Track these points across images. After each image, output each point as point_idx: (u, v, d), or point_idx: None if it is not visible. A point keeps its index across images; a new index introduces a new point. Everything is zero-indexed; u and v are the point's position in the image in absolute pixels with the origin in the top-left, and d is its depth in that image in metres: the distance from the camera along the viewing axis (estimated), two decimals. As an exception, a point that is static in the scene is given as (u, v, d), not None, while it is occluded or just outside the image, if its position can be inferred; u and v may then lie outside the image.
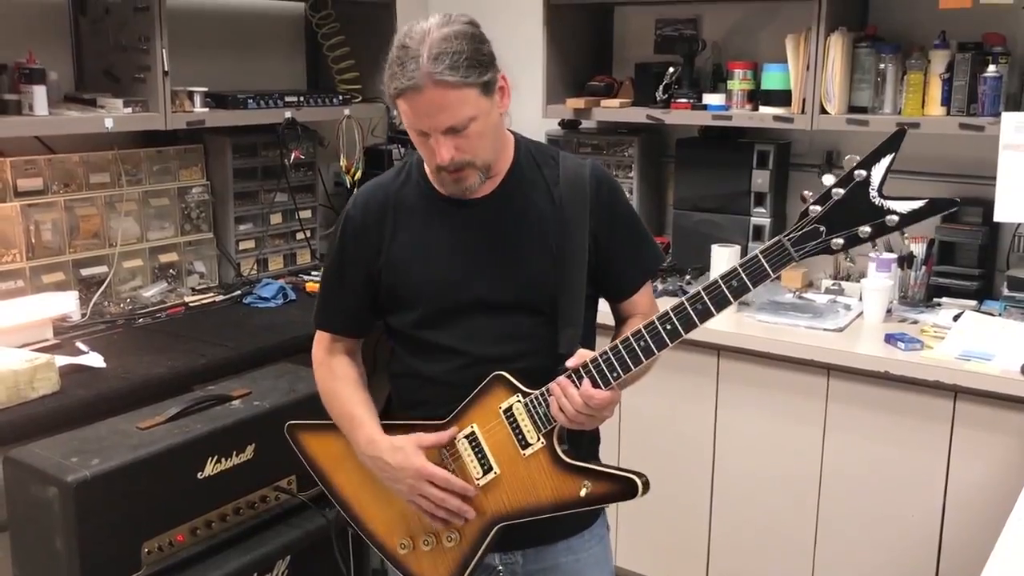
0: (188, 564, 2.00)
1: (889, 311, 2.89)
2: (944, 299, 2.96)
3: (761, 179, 3.24)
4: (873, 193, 1.38)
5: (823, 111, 2.95)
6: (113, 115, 2.76)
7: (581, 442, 1.69)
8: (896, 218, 1.37)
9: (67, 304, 2.74)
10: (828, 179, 1.40)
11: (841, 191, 1.39)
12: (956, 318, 2.76)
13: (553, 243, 1.66)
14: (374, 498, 1.75)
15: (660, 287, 3.17)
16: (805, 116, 2.98)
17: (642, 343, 1.52)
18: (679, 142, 3.46)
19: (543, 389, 1.59)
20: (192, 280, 3.26)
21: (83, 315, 2.83)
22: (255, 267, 3.43)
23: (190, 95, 3.00)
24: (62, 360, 2.37)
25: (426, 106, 1.52)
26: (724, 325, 2.81)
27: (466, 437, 1.65)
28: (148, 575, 1.93)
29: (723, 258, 3.03)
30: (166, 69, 2.83)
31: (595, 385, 1.54)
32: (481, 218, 1.67)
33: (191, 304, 3.08)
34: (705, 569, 3.02)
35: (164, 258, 3.18)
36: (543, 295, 1.66)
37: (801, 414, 2.77)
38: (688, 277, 3.24)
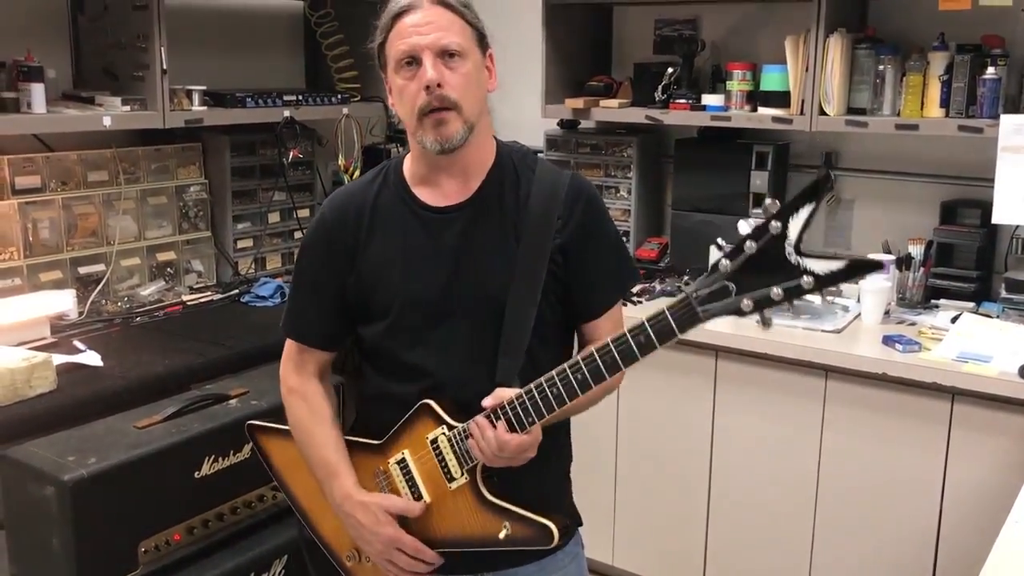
0: (185, 563, 2.00)
1: (887, 313, 2.88)
2: (942, 301, 2.96)
3: (760, 180, 3.23)
4: (789, 250, 1.23)
5: (822, 112, 2.95)
6: (111, 113, 2.76)
7: (549, 465, 1.61)
8: (812, 280, 1.24)
9: (64, 302, 2.74)
10: (743, 227, 1.27)
11: (754, 246, 1.24)
12: (954, 320, 2.77)
13: (514, 258, 1.56)
14: (327, 508, 1.69)
15: (658, 287, 3.17)
16: (804, 117, 2.98)
17: (554, 390, 1.43)
18: (678, 142, 3.46)
19: (465, 425, 1.51)
20: (190, 279, 3.26)
21: (80, 313, 2.83)
22: (253, 266, 3.43)
23: (188, 93, 3.00)
24: (59, 359, 2.37)
25: (423, 21, 1.49)
26: (722, 326, 2.80)
27: (398, 463, 1.60)
28: (144, 574, 1.93)
29: (721, 259, 3.02)
30: (164, 67, 2.82)
31: (511, 429, 1.45)
32: (457, 227, 1.58)
33: (189, 303, 3.07)
34: (703, 570, 3.01)
35: (162, 257, 3.18)
36: (493, 311, 1.56)
37: (799, 415, 2.77)
38: (686, 278, 3.24)
